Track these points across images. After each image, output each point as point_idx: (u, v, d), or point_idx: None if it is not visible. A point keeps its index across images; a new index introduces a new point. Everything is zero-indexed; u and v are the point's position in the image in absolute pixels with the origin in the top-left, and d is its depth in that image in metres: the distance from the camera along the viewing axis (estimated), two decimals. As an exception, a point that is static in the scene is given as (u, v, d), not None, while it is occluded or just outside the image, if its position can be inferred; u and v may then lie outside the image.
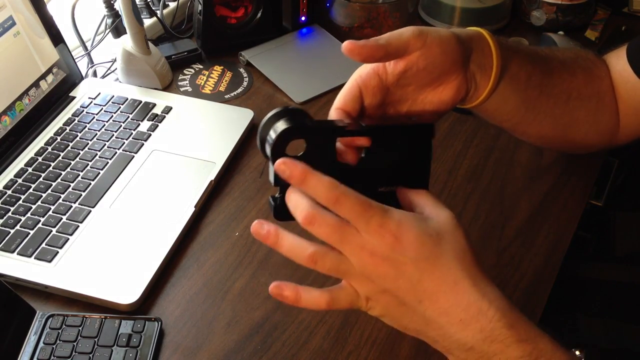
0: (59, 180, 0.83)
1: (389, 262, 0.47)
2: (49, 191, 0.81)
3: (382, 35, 0.54)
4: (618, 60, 0.72)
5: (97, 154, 0.87)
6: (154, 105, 0.95)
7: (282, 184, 0.49)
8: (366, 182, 0.52)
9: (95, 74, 1.05)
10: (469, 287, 0.47)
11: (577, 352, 0.49)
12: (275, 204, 0.51)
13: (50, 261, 0.73)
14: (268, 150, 0.49)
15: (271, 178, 0.50)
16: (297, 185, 0.47)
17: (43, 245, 0.74)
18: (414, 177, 0.54)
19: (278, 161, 0.46)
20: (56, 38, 0.95)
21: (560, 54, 0.72)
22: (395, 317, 0.51)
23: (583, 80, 0.71)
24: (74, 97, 0.96)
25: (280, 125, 0.48)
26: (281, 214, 0.51)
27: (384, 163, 0.53)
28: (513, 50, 0.64)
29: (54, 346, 0.64)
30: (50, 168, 0.84)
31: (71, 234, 0.76)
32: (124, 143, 0.88)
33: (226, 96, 1.01)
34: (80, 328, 0.66)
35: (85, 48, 1.04)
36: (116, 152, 0.87)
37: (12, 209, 0.78)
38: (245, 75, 1.05)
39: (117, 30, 1.04)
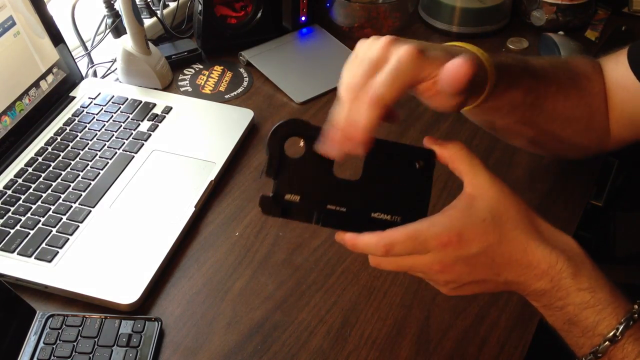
0: (59, 180, 0.83)
1: (460, 263, 0.51)
2: (49, 191, 0.81)
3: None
4: (617, 66, 0.72)
5: (97, 154, 0.87)
6: (154, 105, 0.95)
7: (275, 177, 0.52)
8: (361, 202, 0.52)
9: (95, 74, 1.05)
10: (536, 247, 0.51)
11: (636, 306, 0.51)
12: (262, 200, 0.53)
13: (50, 261, 0.73)
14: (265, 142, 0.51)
15: (263, 171, 0.52)
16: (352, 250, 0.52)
17: (43, 245, 0.74)
18: (411, 206, 0.53)
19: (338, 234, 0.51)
20: (56, 38, 0.95)
21: (562, 75, 0.70)
22: (475, 291, 0.54)
23: (576, 102, 0.70)
24: (74, 97, 0.96)
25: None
26: (268, 210, 0.53)
27: (381, 185, 0.52)
28: (508, 83, 0.62)
29: (54, 346, 0.64)
30: (51, 168, 0.84)
31: (71, 234, 0.76)
32: (124, 143, 0.88)
33: (226, 96, 1.01)
34: (80, 328, 0.66)
35: (85, 48, 1.04)
36: (116, 152, 0.87)
37: (12, 209, 0.78)
38: (245, 75, 1.05)
39: (117, 30, 1.04)
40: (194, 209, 0.79)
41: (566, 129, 0.72)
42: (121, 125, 0.91)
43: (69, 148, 0.87)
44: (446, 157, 0.53)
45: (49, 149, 0.87)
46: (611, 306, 0.51)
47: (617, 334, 0.50)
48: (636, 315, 0.51)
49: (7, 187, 0.81)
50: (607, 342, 0.50)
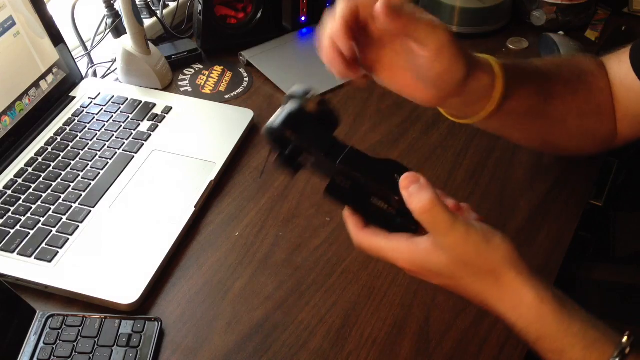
0: (59, 180, 0.83)
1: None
2: (49, 191, 0.81)
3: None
4: (620, 65, 0.72)
5: (97, 154, 0.87)
6: (154, 105, 0.95)
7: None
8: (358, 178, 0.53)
9: (95, 74, 1.05)
10: (494, 306, 0.52)
11: (625, 339, 0.49)
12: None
13: (50, 261, 0.73)
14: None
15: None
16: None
17: (43, 245, 0.74)
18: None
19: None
20: (56, 38, 0.95)
21: (566, 71, 0.71)
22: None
23: (584, 98, 0.71)
24: (74, 97, 0.96)
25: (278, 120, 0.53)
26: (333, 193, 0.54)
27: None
28: (520, 82, 0.64)
29: (54, 346, 0.64)
30: (51, 168, 0.84)
31: (71, 234, 0.76)
32: (124, 143, 0.88)
33: (226, 96, 1.01)
34: (80, 328, 0.66)
35: (85, 48, 1.04)
36: (116, 152, 0.87)
37: (12, 209, 0.78)
38: (245, 75, 1.05)
39: (117, 30, 1.04)
40: (194, 209, 0.79)
41: (578, 126, 0.72)
42: (121, 125, 0.91)
43: (69, 148, 0.87)
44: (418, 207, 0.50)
45: (49, 149, 0.87)
46: (599, 342, 0.49)
47: None
48: (627, 350, 0.49)
49: (7, 187, 0.81)
50: None
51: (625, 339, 0.48)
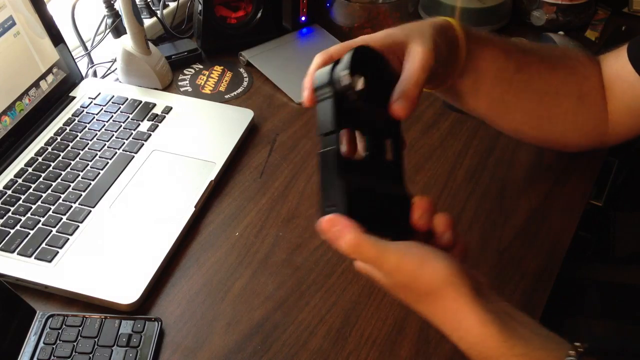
0: (59, 180, 0.83)
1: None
2: (49, 191, 0.81)
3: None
4: (617, 59, 0.72)
5: (97, 154, 0.87)
6: (154, 105, 0.95)
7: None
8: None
9: (95, 74, 1.05)
10: (438, 327, 0.52)
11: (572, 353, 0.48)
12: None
13: (50, 261, 0.73)
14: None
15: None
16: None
17: (43, 245, 0.74)
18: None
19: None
20: (56, 38, 0.95)
21: (546, 51, 0.73)
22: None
23: (562, 77, 0.71)
24: (74, 97, 0.96)
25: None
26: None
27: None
28: (484, 43, 0.66)
29: (54, 346, 0.64)
30: (51, 168, 0.84)
31: (71, 234, 0.76)
32: (124, 143, 0.88)
33: (226, 96, 1.01)
34: (80, 328, 0.66)
35: (85, 48, 1.04)
36: (116, 152, 0.87)
37: (12, 209, 0.78)
38: (245, 75, 1.05)
39: (117, 30, 1.04)
40: (194, 209, 0.79)
41: (556, 106, 0.72)
42: (121, 125, 0.91)
43: (69, 148, 0.87)
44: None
45: (49, 149, 0.87)
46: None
47: None
48: None
49: (7, 187, 0.81)
50: None
51: (572, 353, 0.47)
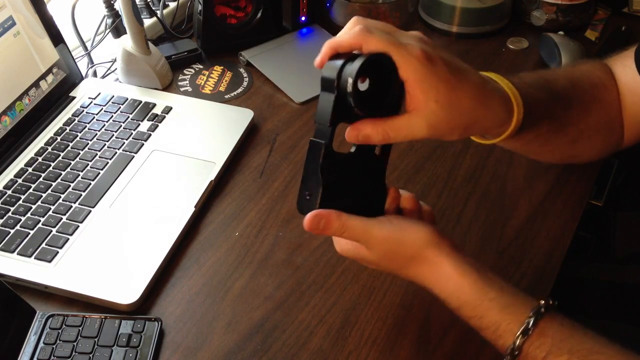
0: (59, 180, 0.83)
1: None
2: (49, 191, 0.81)
3: None
4: (625, 70, 0.72)
5: (97, 154, 0.87)
6: (154, 105, 0.95)
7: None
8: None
9: (95, 74, 1.05)
10: (422, 283, 0.59)
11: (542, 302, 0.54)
12: None
13: (50, 261, 0.73)
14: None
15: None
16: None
17: (43, 245, 0.74)
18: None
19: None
20: (56, 38, 0.95)
21: (580, 89, 0.70)
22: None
23: (596, 117, 0.71)
24: (74, 97, 0.96)
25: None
26: None
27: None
28: (533, 116, 0.62)
29: (54, 346, 0.64)
30: (51, 168, 0.84)
31: (71, 234, 0.76)
32: (124, 143, 0.88)
33: (226, 96, 1.01)
34: (80, 328, 0.66)
35: (85, 48, 1.04)
36: (116, 152, 0.87)
37: (12, 209, 0.78)
38: (245, 75, 1.05)
39: (117, 30, 1.04)
40: (194, 209, 0.79)
41: (587, 144, 0.73)
42: (121, 125, 0.91)
43: (69, 148, 0.87)
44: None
45: (49, 149, 0.87)
46: (514, 306, 0.55)
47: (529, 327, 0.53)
48: (543, 310, 0.53)
49: (7, 187, 0.81)
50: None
51: (542, 302, 0.53)
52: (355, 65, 0.51)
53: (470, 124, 0.56)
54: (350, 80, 0.51)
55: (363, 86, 0.53)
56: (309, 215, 0.55)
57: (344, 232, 0.55)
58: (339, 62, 0.52)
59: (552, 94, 0.67)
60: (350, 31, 0.53)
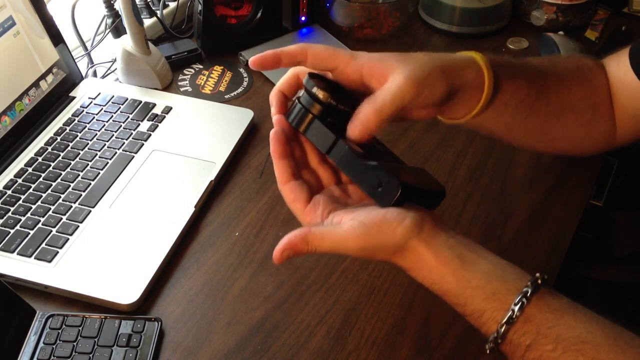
0: (59, 180, 0.83)
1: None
2: (49, 191, 0.81)
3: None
4: (619, 66, 0.72)
5: (97, 154, 0.87)
6: (154, 105, 0.95)
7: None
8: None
9: (95, 74, 1.05)
10: (406, 271, 0.57)
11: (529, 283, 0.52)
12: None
13: (50, 261, 0.73)
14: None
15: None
16: None
17: (43, 245, 0.74)
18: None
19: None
20: (56, 38, 0.95)
21: (561, 66, 0.71)
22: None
23: (579, 94, 0.71)
24: (74, 97, 0.96)
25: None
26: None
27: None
28: (507, 75, 0.64)
29: (54, 346, 0.64)
30: (50, 168, 0.84)
31: (71, 234, 0.76)
32: (124, 143, 0.88)
33: (226, 96, 1.01)
34: (80, 328, 0.66)
35: (85, 48, 1.04)
36: (116, 152, 0.87)
37: (12, 209, 0.78)
38: (245, 75, 1.05)
39: (117, 30, 1.04)
40: (194, 209, 0.79)
41: (573, 122, 0.72)
42: (121, 125, 0.91)
43: (69, 148, 0.87)
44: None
45: (49, 149, 0.87)
46: (500, 293, 0.53)
47: (514, 315, 0.51)
48: (529, 294, 0.51)
49: (7, 187, 0.81)
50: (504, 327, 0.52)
51: (529, 283, 0.52)
52: (305, 81, 0.57)
53: (445, 66, 0.58)
54: (314, 89, 0.55)
55: (325, 95, 0.55)
56: (277, 249, 0.56)
57: (315, 251, 0.55)
58: (293, 106, 0.56)
59: (526, 64, 0.68)
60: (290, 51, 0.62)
